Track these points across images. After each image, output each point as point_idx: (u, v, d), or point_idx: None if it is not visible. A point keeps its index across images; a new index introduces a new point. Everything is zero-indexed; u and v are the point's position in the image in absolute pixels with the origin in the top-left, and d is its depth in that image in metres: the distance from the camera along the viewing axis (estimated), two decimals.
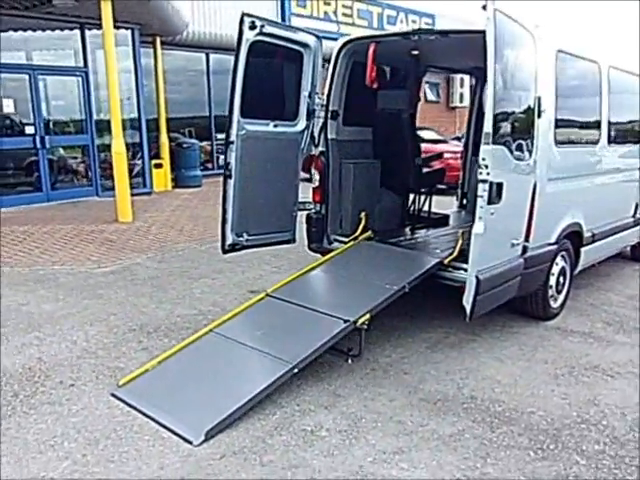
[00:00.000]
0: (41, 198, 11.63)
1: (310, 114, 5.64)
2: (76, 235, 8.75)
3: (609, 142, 5.70)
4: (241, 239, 5.27)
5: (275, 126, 5.42)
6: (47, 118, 11.91)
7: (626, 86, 6.32)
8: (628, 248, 7.42)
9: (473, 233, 3.77)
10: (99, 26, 9.90)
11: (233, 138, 5.00)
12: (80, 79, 12.18)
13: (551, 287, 5.23)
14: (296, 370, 3.75)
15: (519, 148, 4.14)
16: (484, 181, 3.69)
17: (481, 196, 3.69)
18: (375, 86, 5.39)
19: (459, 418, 3.60)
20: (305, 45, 5.44)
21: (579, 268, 5.76)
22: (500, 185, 3.77)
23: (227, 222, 5.14)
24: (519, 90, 4.15)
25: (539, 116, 4.32)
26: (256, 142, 5.20)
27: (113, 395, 3.76)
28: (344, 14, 18.78)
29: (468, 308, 3.87)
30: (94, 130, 12.24)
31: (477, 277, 3.83)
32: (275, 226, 5.64)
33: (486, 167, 3.67)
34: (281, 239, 5.73)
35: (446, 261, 4.69)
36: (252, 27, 4.93)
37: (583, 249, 5.62)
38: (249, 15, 4.96)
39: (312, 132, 5.79)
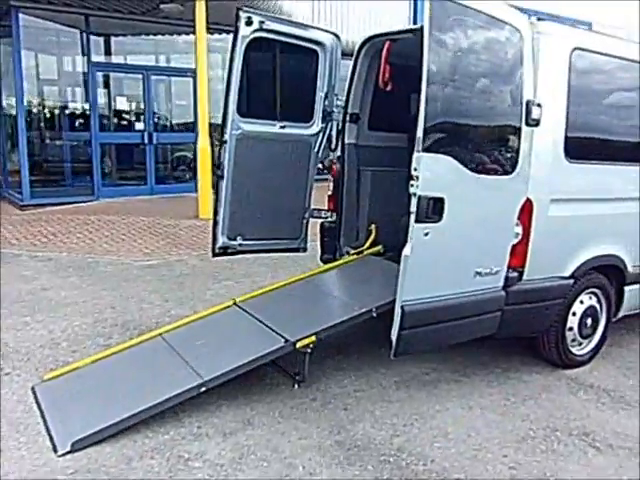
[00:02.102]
0: (146, 190, 12.29)
1: (326, 116, 5.28)
2: (149, 227, 9.09)
3: None
4: (234, 243, 5.06)
5: (282, 127, 5.14)
6: (159, 115, 12.58)
7: None
8: None
9: (402, 255, 3.22)
10: (211, 30, 10.15)
11: (226, 137, 4.80)
12: (191, 80, 12.67)
13: (571, 330, 4.39)
14: (204, 389, 3.46)
15: (483, 160, 3.49)
16: (414, 194, 3.13)
17: (412, 212, 3.14)
18: (389, 88, 4.88)
19: (361, 472, 3.09)
20: (320, 43, 5.11)
21: (624, 312, 4.80)
22: (438, 201, 3.18)
23: (218, 224, 4.95)
24: (487, 93, 3.49)
25: (528, 124, 3.60)
26: (256, 143, 4.96)
27: (32, 389, 3.72)
28: None
29: (393, 343, 3.32)
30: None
31: (402, 308, 3.26)
32: (280, 232, 5.36)
33: (416, 178, 3.11)
34: (288, 246, 5.43)
35: None
36: (249, 23, 4.71)
37: (628, 288, 4.67)
38: (245, 10, 4.74)
39: (330, 135, 5.43)
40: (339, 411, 3.69)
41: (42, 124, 12.25)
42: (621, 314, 4.81)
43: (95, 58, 11.60)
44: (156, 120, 12.51)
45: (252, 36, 4.77)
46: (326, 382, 4.07)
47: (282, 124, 5.15)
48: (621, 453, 3.39)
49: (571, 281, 4.21)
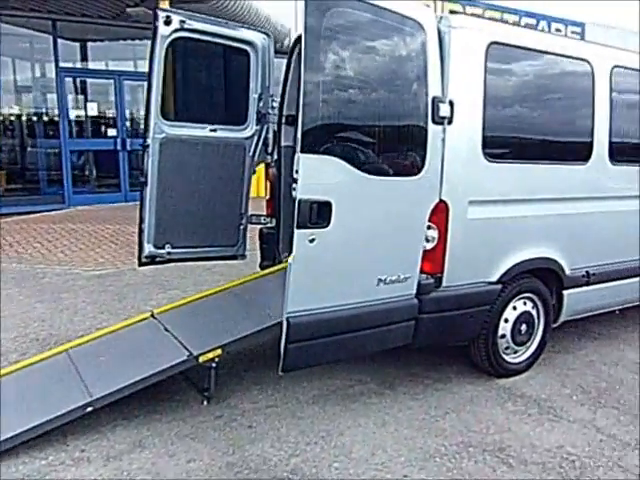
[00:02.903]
0: (119, 198, 12.14)
1: (261, 119, 5.09)
2: (112, 236, 8.93)
3: (613, 160, 4.46)
4: (162, 251, 4.87)
5: (213, 130, 4.95)
6: (133, 121, 12.44)
7: None
8: None
9: (289, 263, 3.02)
10: None
11: (149, 142, 4.62)
12: None
13: (504, 337, 4.18)
14: (90, 409, 3.27)
15: (380, 161, 3.29)
16: (294, 199, 2.93)
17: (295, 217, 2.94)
18: None
19: None
20: (250, 43, 4.92)
21: (565, 317, 4.58)
22: (323, 205, 2.98)
23: (143, 232, 4.76)
24: (383, 90, 3.28)
25: (436, 122, 3.40)
26: (183, 147, 4.78)
27: None
28: None
29: (280, 358, 3.12)
30: None
31: (288, 320, 3.06)
32: (215, 240, 5.17)
33: (296, 181, 2.92)
34: (224, 254, 5.24)
35: None
36: (167, 22, 4.53)
37: (567, 292, 4.45)
38: (164, 9, 4.57)
39: (265, 138, 5.24)
40: (242, 429, 3.49)
41: (15, 131, 12.14)
42: (562, 319, 4.58)
43: (67, 64, 11.48)
44: (129, 126, 12.36)
45: (173, 36, 4.59)
46: (240, 397, 3.88)
47: (213, 127, 4.96)
48: (533, 469, 3.19)
49: (498, 286, 4.00)
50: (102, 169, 12.57)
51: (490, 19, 17.12)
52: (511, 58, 3.89)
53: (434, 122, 3.41)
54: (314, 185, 2.94)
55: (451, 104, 3.53)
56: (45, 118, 11.87)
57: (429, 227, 3.62)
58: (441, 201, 3.60)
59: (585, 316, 4.97)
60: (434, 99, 3.39)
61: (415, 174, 3.39)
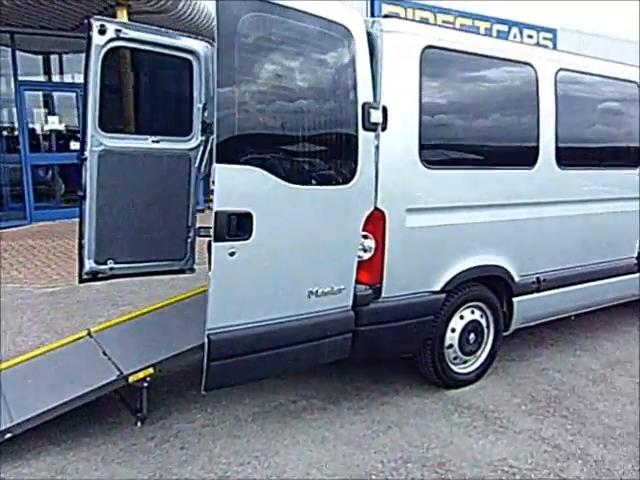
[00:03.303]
0: None
1: (206, 129, 4.97)
2: (70, 252, 8.70)
3: (560, 164, 4.40)
4: (104, 267, 4.71)
5: (156, 142, 4.82)
6: None
7: (610, 95, 4.93)
8: None
9: (208, 278, 2.90)
10: None
11: (86, 155, 4.48)
12: None
13: (451, 347, 4.08)
14: (9, 435, 3.11)
15: (306, 170, 3.19)
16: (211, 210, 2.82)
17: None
18: None
19: None
20: (193, 52, 4.81)
21: (516, 325, 4.49)
22: (244, 216, 2.87)
23: (83, 248, 4.61)
24: (306, 97, 3.18)
25: (367, 128, 3.31)
26: (124, 159, 4.64)
27: None
28: None
29: (203, 376, 2.99)
30: None
31: (209, 337, 2.93)
32: (161, 254, 5.01)
33: (212, 192, 2.81)
34: (170, 268, 5.09)
35: None
36: (102, 32, 4.41)
37: (517, 299, 4.36)
38: (99, 18, 4.45)
39: (212, 149, 5.11)
40: (174, 451, 3.35)
41: None
42: (514, 327, 4.50)
43: (31, 77, 11.30)
44: None
45: (110, 46, 4.47)
46: (177, 417, 3.73)
47: (155, 138, 4.83)
48: None
49: (442, 296, 3.90)
50: (71, 183, 12.34)
51: (461, 26, 17.29)
52: (449, 62, 3.82)
53: (365, 129, 3.31)
54: (232, 196, 2.83)
55: (384, 110, 3.44)
56: (6, 133, 11.65)
57: (365, 236, 3.52)
58: (377, 209, 3.50)
59: (543, 322, 4.90)
60: (364, 105, 3.29)
61: (346, 182, 3.29)
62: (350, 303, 3.45)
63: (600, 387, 4.32)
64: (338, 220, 3.29)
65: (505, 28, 18.37)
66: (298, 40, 3.07)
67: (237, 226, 2.83)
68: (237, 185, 2.85)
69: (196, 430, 3.59)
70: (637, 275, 5.32)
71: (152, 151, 4.76)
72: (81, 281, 4.69)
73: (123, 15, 9.21)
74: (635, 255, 5.27)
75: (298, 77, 3.09)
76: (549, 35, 19.33)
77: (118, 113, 4.92)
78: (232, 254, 2.85)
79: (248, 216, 2.88)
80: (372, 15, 15.68)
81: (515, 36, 18.63)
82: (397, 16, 3.66)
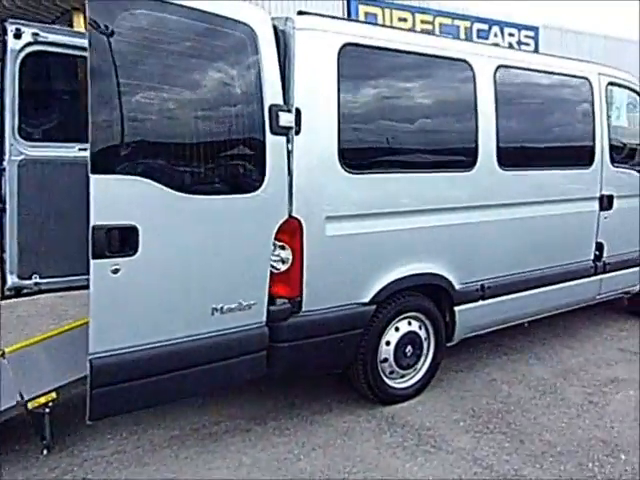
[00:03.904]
0: None
1: None
2: None
3: (503, 165, 4.18)
4: (28, 282, 4.48)
5: (83, 149, 4.58)
6: None
7: (557, 92, 4.72)
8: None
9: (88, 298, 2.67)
10: None
11: (5, 165, 4.26)
12: None
13: (386, 361, 3.86)
14: None
15: (203, 179, 2.97)
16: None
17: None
18: None
19: None
20: None
21: (461, 335, 4.27)
22: (128, 230, 2.64)
23: (5, 262, 4.38)
24: (200, 100, 2.96)
25: (276, 132, 3.09)
26: (47, 168, 4.43)
27: None
28: (423, 30, 16.96)
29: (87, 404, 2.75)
30: None
31: (91, 362, 2.70)
32: None
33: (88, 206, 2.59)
34: None
35: None
36: (17, 36, 4.19)
37: (459, 308, 4.14)
38: (14, 22, 4.22)
39: None
40: None
41: None
42: (458, 337, 4.27)
43: None
44: None
45: (27, 50, 4.25)
46: (87, 443, 3.50)
47: (83, 146, 4.59)
48: None
49: (372, 307, 3.68)
50: None
51: (440, 25, 17.07)
52: (372, 60, 3.60)
53: (273, 133, 3.09)
54: (113, 209, 2.61)
55: (298, 113, 3.22)
56: None
57: (282, 247, 3.30)
58: (292, 218, 3.27)
59: (498, 330, 4.69)
60: (272, 108, 3.07)
61: (251, 190, 3.06)
62: (264, 319, 3.23)
63: (548, 399, 4.11)
64: (243, 231, 3.06)
65: (485, 27, 18.14)
66: (187, 39, 2.85)
67: (120, 241, 2.61)
68: (118, 197, 2.62)
69: (104, 458, 3.36)
70: (594, 278, 5.10)
71: (78, 160, 4.53)
72: (3, 297, 4.45)
73: (79, 20, 9.00)
74: (591, 258, 5.05)
75: (189, 78, 2.87)
76: (531, 33, 19.12)
77: (42, 120, 4.69)
78: (116, 271, 2.62)
79: (133, 230, 2.65)
80: (349, 17, 15.47)
81: (496, 35, 18.41)
82: (314, 13, 3.44)
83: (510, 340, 5.17)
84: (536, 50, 18.99)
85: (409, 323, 3.96)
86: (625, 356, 4.94)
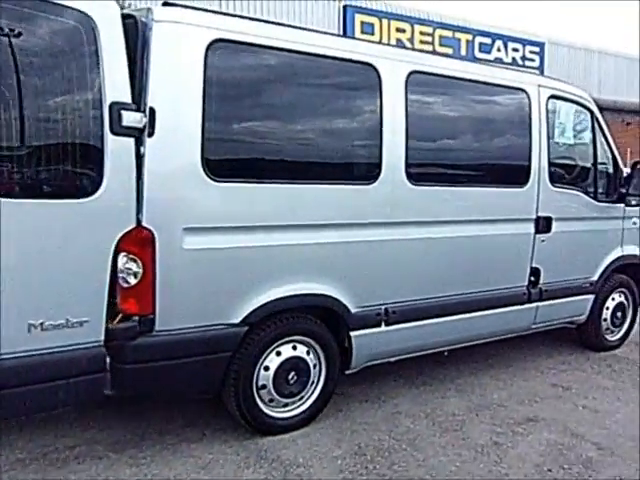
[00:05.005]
0: None
1: None
2: None
3: (413, 180, 3.85)
4: None
5: None
6: None
7: (486, 103, 4.38)
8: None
9: None
10: None
11: None
12: None
13: (264, 388, 3.53)
14: None
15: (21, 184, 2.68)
16: None
17: None
18: None
19: None
20: None
21: (361, 362, 3.93)
22: None
23: None
24: (18, 93, 2.67)
25: (117, 132, 2.81)
26: None
27: None
28: (422, 41, 16.67)
29: None
30: None
31: None
32: None
33: None
34: None
35: None
36: None
37: (356, 334, 3.80)
38: None
39: None
40: None
41: None
42: (357, 365, 3.94)
43: None
44: None
45: None
46: None
47: None
48: None
49: (244, 329, 3.35)
50: None
51: (440, 37, 16.71)
52: (249, 59, 3.30)
53: (114, 133, 2.80)
54: None
55: (152, 113, 2.93)
56: None
57: (133, 260, 3.00)
58: (141, 228, 2.97)
59: (425, 355, 4.41)
60: (113, 106, 2.78)
61: (85, 195, 2.77)
62: (101, 337, 2.92)
63: (449, 437, 3.74)
64: (74, 239, 2.76)
65: (488, 41, 17.77)
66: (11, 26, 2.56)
67: None
68: None
69: None
70: (528, 306, 4.72)
71: None
72: None
73: None
74: (525, 284, 4.67)
75: (9, 68, 2.58)
76: (536, 49, 18.70)
77: None
78: None
79: None
80: (344, 26, 15.23)
81: (499, 49, 18.05)
82: (181, 4, 3.15)
83: (436, 368, 4.81)
84: (541, 67, 18.59)
85: (294, 347, 3.63)
86: (556, 392, 4.54)
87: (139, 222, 2.98)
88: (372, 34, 15.51)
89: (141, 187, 2.96)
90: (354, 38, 3.85)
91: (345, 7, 14.95)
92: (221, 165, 3.19)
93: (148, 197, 2.98)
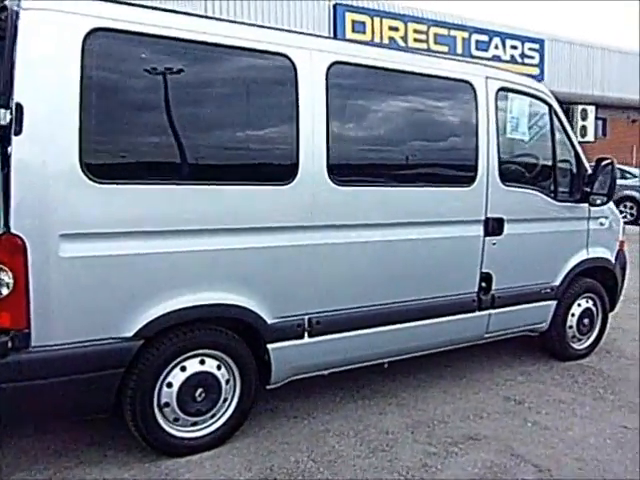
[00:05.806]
0: None
1: None
2: None
3: (336, 180, 3.57)
4: None
5: None
6: None
7: (421, 98, 4.09)
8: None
9: None
10: None
11: None
12: None
13: (167, 406, 3.26)
14: None
15: None
16: None
17: None
18: None
19: None
20: None
21: (280, 377, 3.66)
22: None
23: None
24: None
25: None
26: None
27: None
28: (416, 39, 16.37)
29: None
30: None
31: None
32: None
33: None
34: None
35: None
36: None
37: (273, 346, 3.52)
38: None
39: None
40: None
41: None
42: (278, 380, 3.65)
43: None
44: None
45: None
46: None
47: None
48: None
49: (138, 343, 3.08)
50: None
51: (435, 35, 16.36)
52: (135, 48, 3.05)
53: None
54: None
55: (19, 109, 2.68)
56: None
57: (2, 269, 2.75)
58: (10, 234, 2.72)
59: (371, 366, 4.13)
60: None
61: None
62: None
63: (374, 459, 3.45)
64: None
65: (485, 38, 17.41)
66: None
67: None
68: None
69: None
70: (479, 314, 4.40)
71: None
72: None
73: None
74: (475, 290, 4.36)
75: None
76: (535, 46, 18.29)
77: None
78: None
79: None
80: (334, 25, 14.97)
81: (497, 47, 17.68)
82: None
83: (380, 381, 4.50)
84: (541, 65, 18.18)
85: (201, 362, 3.36)
86: (506, 407, 4.22)
87: (8, 228, 2.72)
88: (364, 33, 15.23)
89: (7, 190, 2.70)
90: (266, 27, 3.47)
91: (335, 6, 14.69)
92: (103, 165, 2.94)
93: (16, 201, 2.72)
